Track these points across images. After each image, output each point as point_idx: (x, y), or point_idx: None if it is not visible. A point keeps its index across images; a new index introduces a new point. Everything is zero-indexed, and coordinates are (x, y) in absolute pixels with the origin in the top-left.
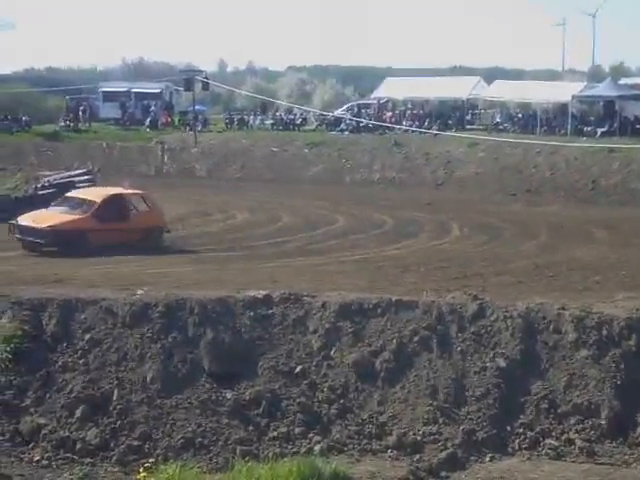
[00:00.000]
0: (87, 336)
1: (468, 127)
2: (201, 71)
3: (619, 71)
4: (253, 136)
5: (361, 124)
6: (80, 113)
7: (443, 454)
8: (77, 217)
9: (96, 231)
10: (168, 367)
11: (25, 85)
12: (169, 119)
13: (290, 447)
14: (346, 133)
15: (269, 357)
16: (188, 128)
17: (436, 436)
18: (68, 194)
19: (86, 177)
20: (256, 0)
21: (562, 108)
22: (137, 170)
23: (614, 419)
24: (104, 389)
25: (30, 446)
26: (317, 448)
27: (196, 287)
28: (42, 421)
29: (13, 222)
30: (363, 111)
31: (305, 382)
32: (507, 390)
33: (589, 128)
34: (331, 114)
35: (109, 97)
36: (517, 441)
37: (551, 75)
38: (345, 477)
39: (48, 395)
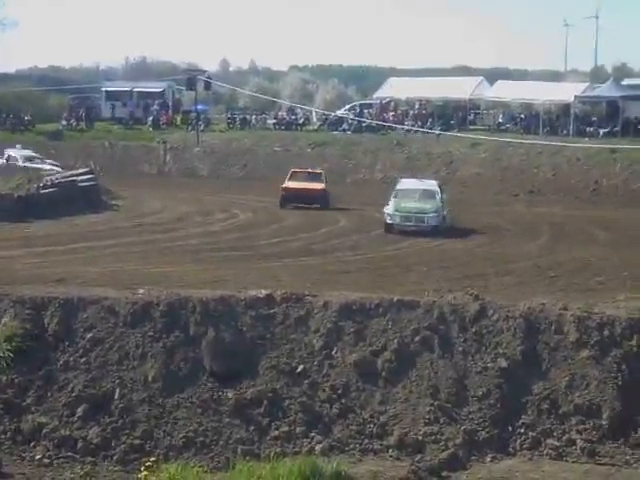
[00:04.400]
0: (89, 335)
1: (470, 127)
2: (204, 70)
3: (622, 72)
4: (255, 136)
5: (363, 124)
6: (83, 112)
7: (444, 454)
8: None
9: None
10: (169, 366)
11: (28, 84)
12: (168, 118)
13: (291, 447)
14: (348, 133)
15: (270, 356)
16: (190, 128)
17: (437, 436)
18: None
19: (88, 176)
20: (259, 0)
21: (564, 109)
22: (139, 169)
23: (615, 419)
24: (105, 388)
25: (31, 445)
26: (318, 448)
27: (198, 286)
28: (43, 420)
29: None
30: (365, 111)
31: (306, 382)
32: (508, 390)
33: (591, 129)
34: (333, 114)
35: (112, 96)
36: (518, 441)
37: (553, 76)
38: (346, 477)
39: (49, 394)
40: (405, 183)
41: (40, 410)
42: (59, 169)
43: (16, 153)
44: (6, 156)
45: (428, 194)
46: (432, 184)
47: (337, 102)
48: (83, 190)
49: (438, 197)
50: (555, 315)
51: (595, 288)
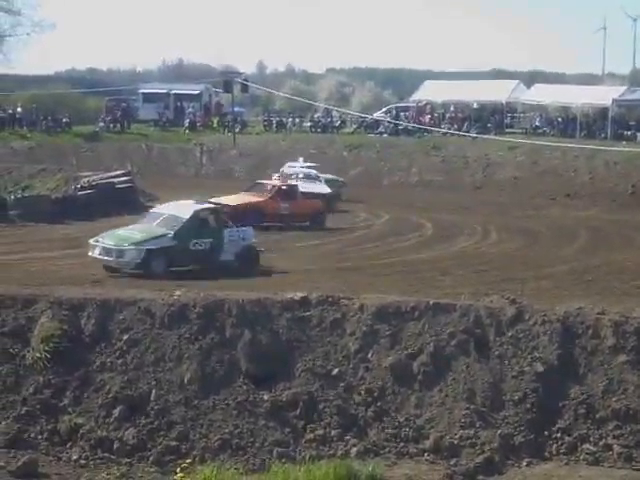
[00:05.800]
0: (125, 336)
1: (507, 130)
2: (240, 73)
3: None
4: (291, 138)
5: (400, 127)
6: (120, 114)
7: (480, 458)
8: None
9: None
10: (205, 368)
11: (66, 86)
12: (204, 120)
13: (326, 449)
14: (385, 136)
15: (306, 359)
16: (227, 130)
17: (473, 440)
18: None
19: (125, 178)
20: (296, 2)
21: (602, 112)
22: (176, 171)
23: None
24: (142, 389)
25: (68, 445)
26: (354, 451)
27: (234, 288)
28: (80, 421)
29: None
30: (402, 114)
31: (342, 384)
32: (545, 395)
33: (629, 132)
34: (370, 117)
35: (149, 98)
36: (554, 446)
37: (591, 79)
38: None
39: (86, 395)
40: (164, 207)
41: (77, 411)
42: (327, 190)
43: (293, 170)
44: (281, 171)
45: (169, 221)
46: (188, 210)
47: (373, 105)
48: (120, 192)
49: (177, 226)
50: (592, 319)
51: (632, 292)
